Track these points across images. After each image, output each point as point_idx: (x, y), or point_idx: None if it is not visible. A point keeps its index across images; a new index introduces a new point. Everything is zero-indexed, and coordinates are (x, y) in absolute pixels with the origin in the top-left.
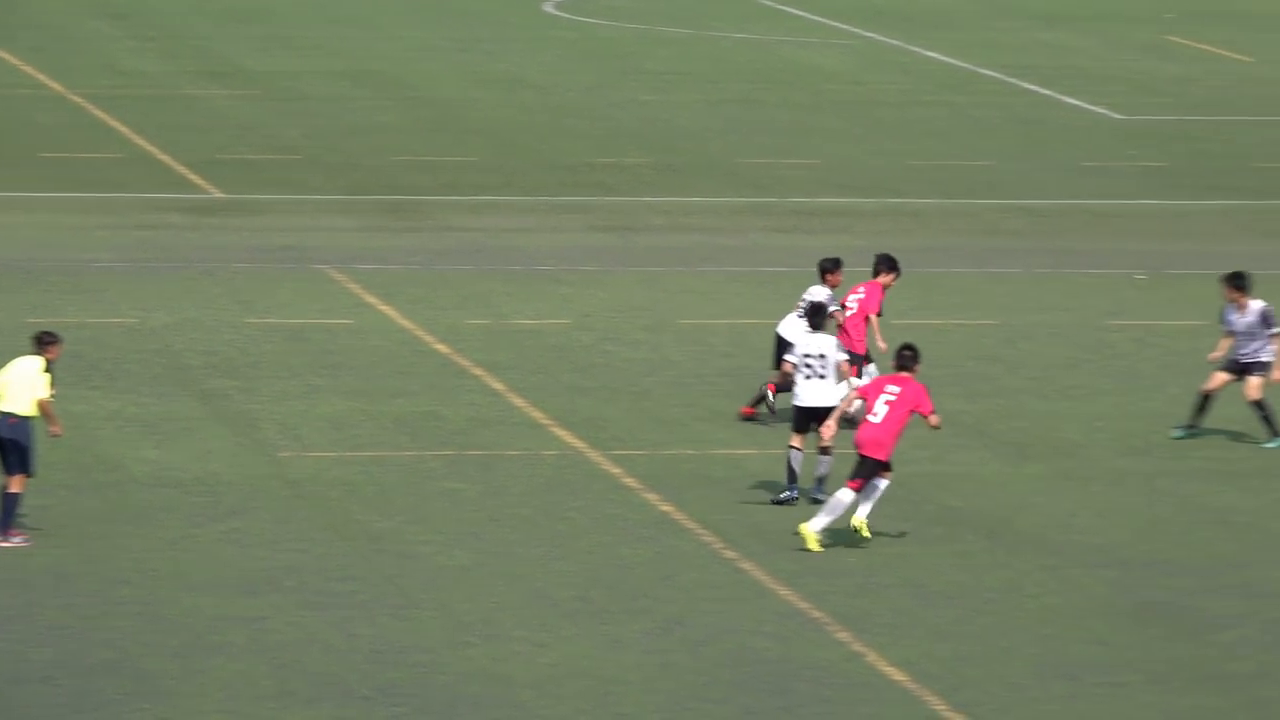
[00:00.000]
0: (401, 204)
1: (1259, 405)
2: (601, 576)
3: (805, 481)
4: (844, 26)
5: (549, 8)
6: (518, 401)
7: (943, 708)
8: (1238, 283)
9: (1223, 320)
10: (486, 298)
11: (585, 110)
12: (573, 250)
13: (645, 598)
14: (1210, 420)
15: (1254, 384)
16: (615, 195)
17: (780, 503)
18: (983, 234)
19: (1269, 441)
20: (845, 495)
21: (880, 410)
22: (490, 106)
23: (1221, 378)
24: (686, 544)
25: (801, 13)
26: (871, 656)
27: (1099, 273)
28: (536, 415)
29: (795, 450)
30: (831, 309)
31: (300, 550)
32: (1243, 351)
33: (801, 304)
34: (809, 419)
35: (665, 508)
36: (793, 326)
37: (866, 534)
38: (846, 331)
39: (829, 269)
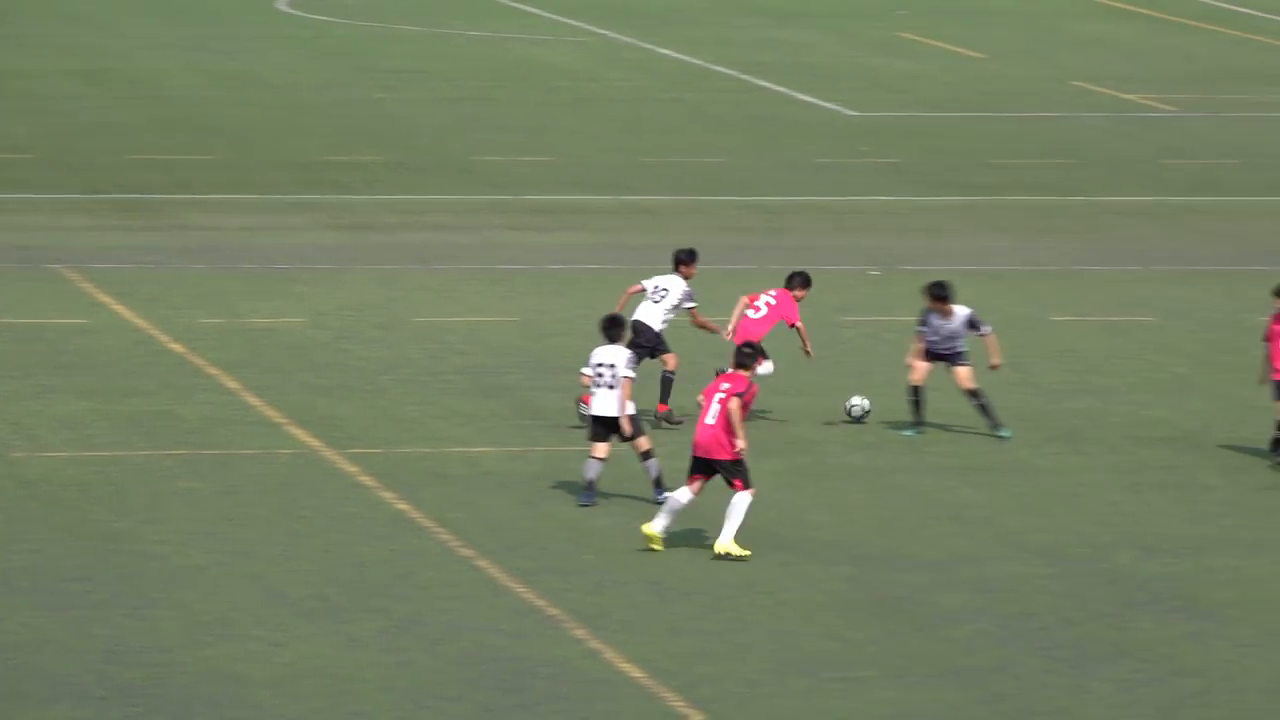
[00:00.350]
0: (136, 203)
1: (974, 395)
2: (338, 575)
3: (657, 491)
4: (578, 24)
5: (283, 6)
6: (253, 400)
7: (680, 704)
8: (938, 293)
9: (924, 324)
10: (222, 296)
11: (320, 108)
12: (308, 249)
13: (382, 596)
14: (941, 417)
15: (963, 374)
16: (350, 194)
17: (584, 505)
18: (718, 231)
19: (997, 431)
20: (683, 495)
21: (714, 409)
22: (224, 105)
23: (923, 366)
24: (423, 542)
25: (536, 10)
26: (609, 653)
27: (833, 269)
28: (272, 414)
29: (592, 460)
30: (689, 305)
31: (34, 550)
32: (942, 348)
33: (655, 294)
34: (603, 428)
35: (401, 506)
36: (649, 312)
37: (659, 546)
38: (704, 326)
39: (684, 260)
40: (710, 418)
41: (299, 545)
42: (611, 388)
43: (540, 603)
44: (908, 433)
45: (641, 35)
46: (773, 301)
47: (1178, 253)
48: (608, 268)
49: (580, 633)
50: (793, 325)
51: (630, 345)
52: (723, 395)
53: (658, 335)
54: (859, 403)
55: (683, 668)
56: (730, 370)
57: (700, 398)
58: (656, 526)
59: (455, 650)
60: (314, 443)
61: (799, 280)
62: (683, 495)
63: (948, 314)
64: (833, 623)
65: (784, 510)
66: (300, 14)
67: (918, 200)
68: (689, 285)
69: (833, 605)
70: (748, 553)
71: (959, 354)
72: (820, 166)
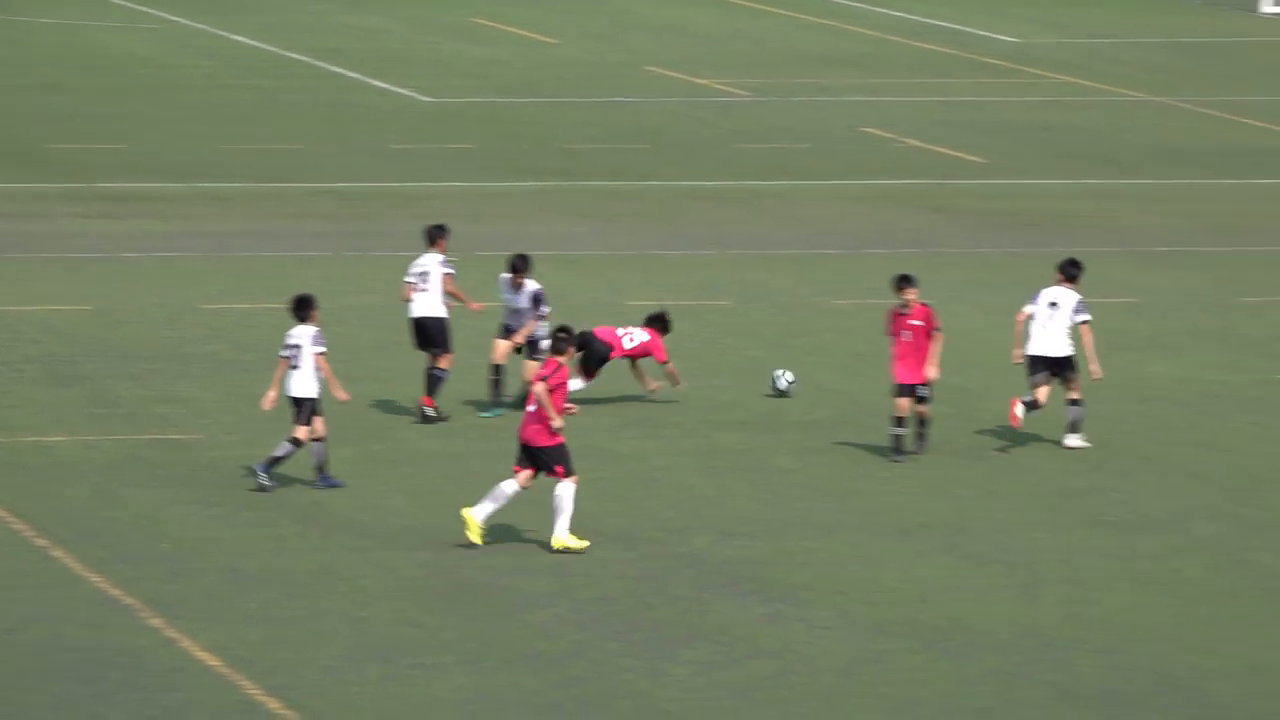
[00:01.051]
0: None
1: (497, 370)
2: None
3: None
4: (150, 10)
5: None
6: None
7: (256, 692)
8: (515, 263)
9: (503, 293)
10: None
11: None
12: None
13: None
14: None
15: (501, 348)
16: None
17: (262, 489)
18: (293, 218)
19: (485, 412)
20: (509, 486)
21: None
22: None
23: (504, 345)
24: None
25: None
26: (185, 642)
27: (407, 255)
28: None
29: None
30: (447, 271)
31: None
32: (512, 322)
33: (421, 281)
34: (298, 408)
35: None
36: (427, 303)
37: (477, 536)
38: (455, 294)
39: (436, 236)
40: (532, 407)
41: None
42: (297, 368)
43: (116, 592)
44: (486, 414)
45: (215, 22)
46: (646, 339)
47: (752, 236)
48: (182, 255)
49: (156, 621)
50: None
51: (422, 345)
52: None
53: (442, 326)
54: (783, 376)
55: (259, 655)
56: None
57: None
58: (479, 515)
59: (29, 641)
60: None
61: (659, 324)
62: (509, 486)
63: (518, 287)
64: (410, 609)
65: (360, 497)
66: None
67: (493, 186)
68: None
69: (410, 591)
70: (586, 544)
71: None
72: (395, 153)
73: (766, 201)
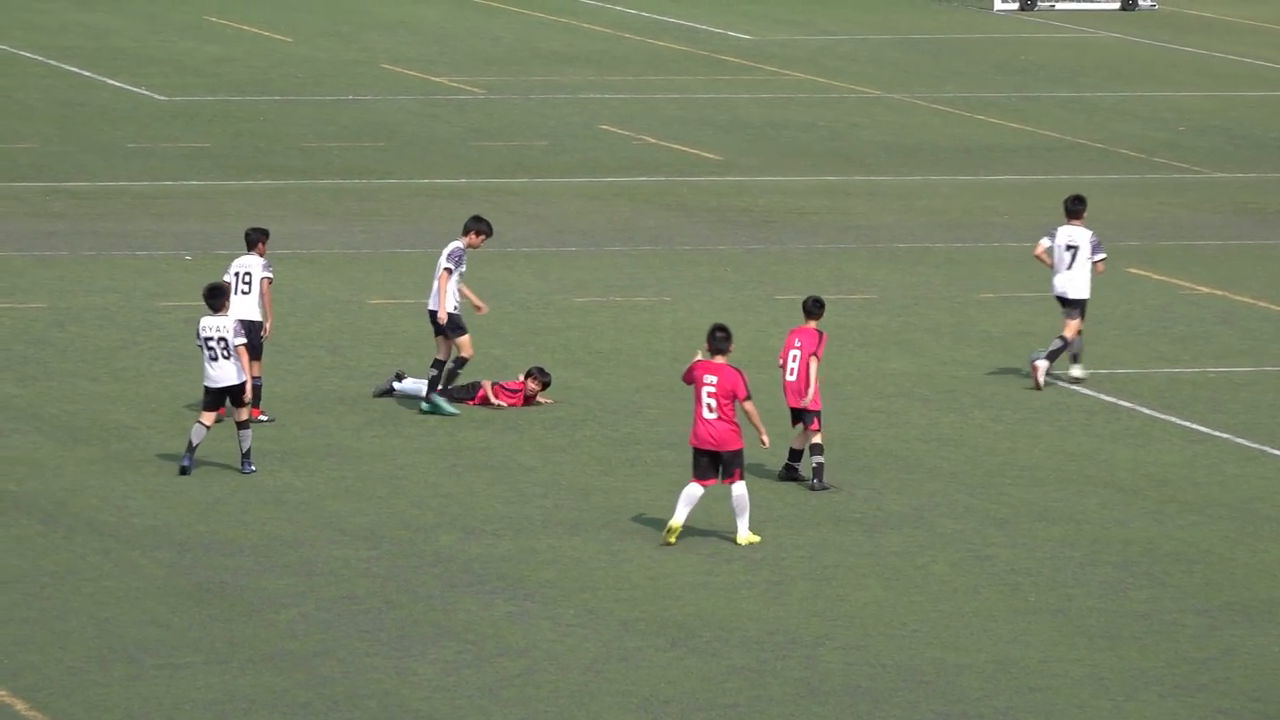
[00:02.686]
0: None
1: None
2: None
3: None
4: None
5: None
6: None
7: (3, 693)
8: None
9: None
10: None
11: None
12: None
13: None
14: (272, 403)
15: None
16: None
17: (183, 471)
18: (27, 217)
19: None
20: (695, 490)
21: (707, 403)
22: None
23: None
24: None
25: None
26: None
27: (144, 254)
28: None
29: (201, 426)
30: (266, 275)
31: None
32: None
33: (241, 282)
34: (218, 398)
35: None
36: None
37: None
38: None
39: (257, 239)
40: (707, 412)
41: None
42: (227, 358)
43: None
44: (446, 409)
45: None
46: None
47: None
48: None
49: None
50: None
51: (251, 346)
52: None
53: (259, 330)
54: None
55: (5, 656)
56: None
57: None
58: (678, 519)
59: None
60: None
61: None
62: (695, 490)
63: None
64: (155, 609)
65: (103, 497)
66: None
67: (230, 185)
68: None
69: (155, 591)
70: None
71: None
72: (130, 152)
73: (505, 199)
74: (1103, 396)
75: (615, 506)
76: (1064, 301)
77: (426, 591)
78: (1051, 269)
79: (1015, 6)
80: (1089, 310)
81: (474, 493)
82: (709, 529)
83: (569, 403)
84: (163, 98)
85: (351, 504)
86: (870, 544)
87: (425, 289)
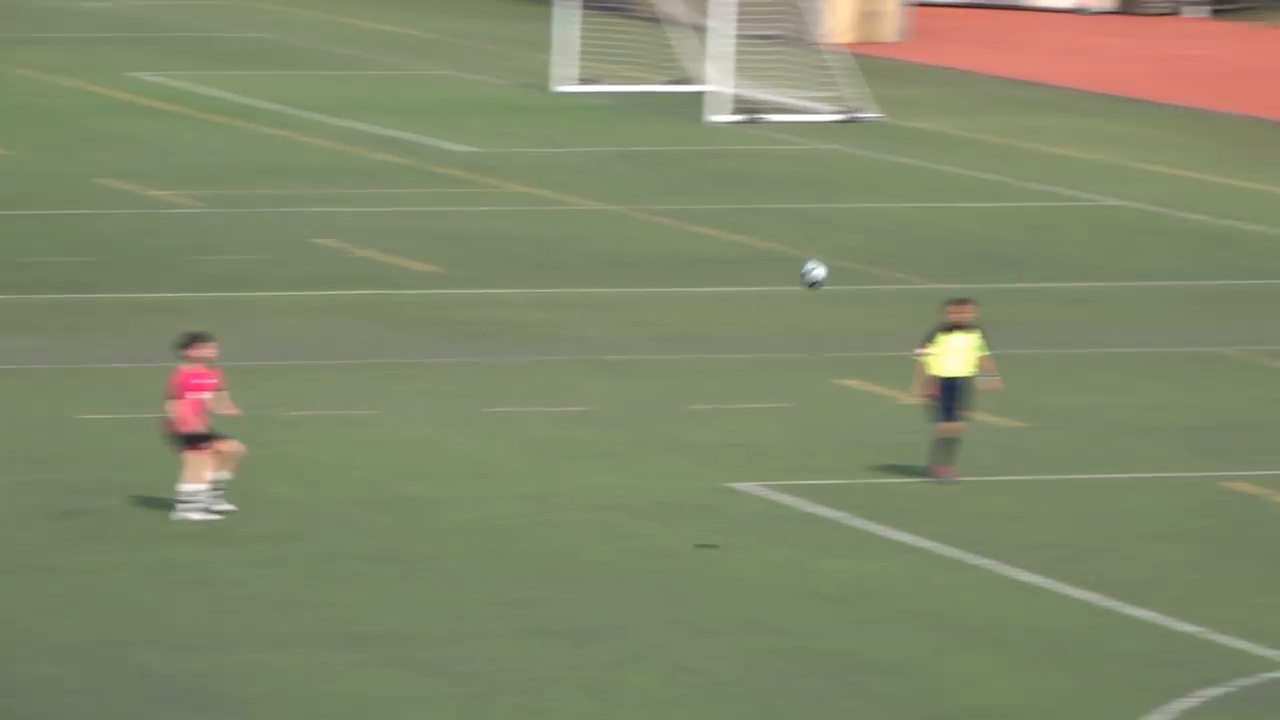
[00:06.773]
0: None
1: None
2: None
3: None
4: None
5: None
6: None
7: None
8: None
9: None
10: None
11: None
12: None
13: None
14: None
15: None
16: None
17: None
18: None
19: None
20: None
21: None
22: None
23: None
24: None
25: None
26: None
27: None
28: None
29: None
30: None
31: None
32: None
33: None
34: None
35: None
36: None
37: None
38: None
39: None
40: None
41: None
42: None
43: None
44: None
45: None
46: None
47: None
48: None
49: None
50: None
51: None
52: None
53: None
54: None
55: None
56: None
57: None
58: None
59: None
60: None
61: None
62: None
63: None
64: None
65: None
66: None
67: None
68: None
69: None
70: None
71: None
72: None
73: (218, 313)
74: (811, 507)
75: (320, 621)
76: None
77: (129, 707)
78: None
79: (738, 119)
80: (801, 420)
81: (176, 608)
82: (422, 639)
83: (276, 518)
84: None
85: (50, 620)
86: (576, 656)
87: (141, 402)
